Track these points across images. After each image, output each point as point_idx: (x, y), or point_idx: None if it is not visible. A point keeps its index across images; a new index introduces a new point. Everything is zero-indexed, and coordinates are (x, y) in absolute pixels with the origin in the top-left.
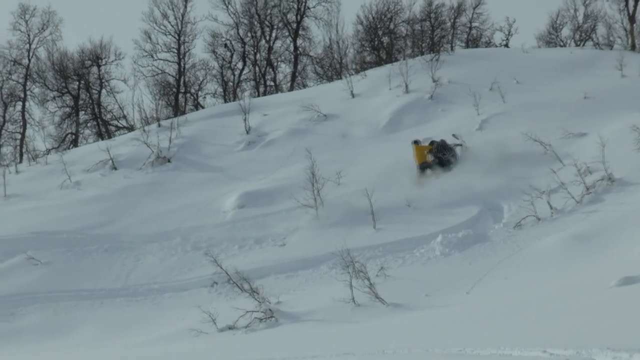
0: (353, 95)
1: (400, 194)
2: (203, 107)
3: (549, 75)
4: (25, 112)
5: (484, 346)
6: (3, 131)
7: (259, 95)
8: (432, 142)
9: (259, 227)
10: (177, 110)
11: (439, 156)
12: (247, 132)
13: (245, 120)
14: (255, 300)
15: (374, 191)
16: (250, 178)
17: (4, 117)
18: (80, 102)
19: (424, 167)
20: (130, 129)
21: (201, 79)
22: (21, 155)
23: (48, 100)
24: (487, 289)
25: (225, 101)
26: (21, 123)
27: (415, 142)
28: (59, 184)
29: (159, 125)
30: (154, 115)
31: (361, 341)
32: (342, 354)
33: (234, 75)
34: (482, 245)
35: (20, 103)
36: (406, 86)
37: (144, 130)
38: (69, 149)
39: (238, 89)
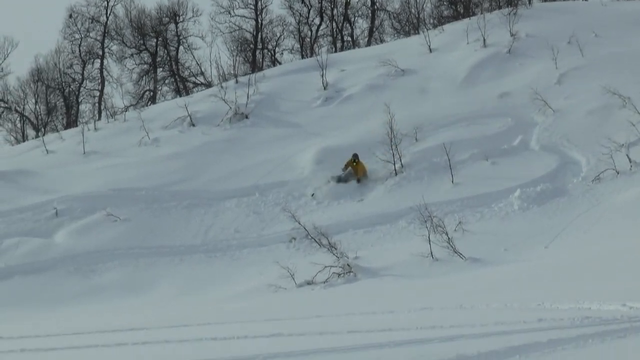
0: (431, 50)
1: (479, 147)
2: (280, 63)
3: (628, 28)
4: (104, 70)
5: (563, 300)
6: (82, 88)
7: (336, 51)
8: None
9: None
10: (255, 67)
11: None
12: (325, 88)
13: (322, 76)
14: (333, 256)
15: (452, 146)
16: (328, 134)
17: (82, 74)
18: (158, 59)
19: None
20: (208, 85)
21: (278, 35)
22: (100, 112)
23: (126, 58)
24: (565, 243)
25: (303, 57)
26: (99, 80)
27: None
28: (138, 141)
29: (237, 82)
30: (232, 72)
31: (439, 296)
32: (420, 309)
33: (311, 31)
34: (561, 200)
35: (99, 60)
36: (484, 40)
37: (221, 87)
38: (147, 106)
39: (315, 45)
